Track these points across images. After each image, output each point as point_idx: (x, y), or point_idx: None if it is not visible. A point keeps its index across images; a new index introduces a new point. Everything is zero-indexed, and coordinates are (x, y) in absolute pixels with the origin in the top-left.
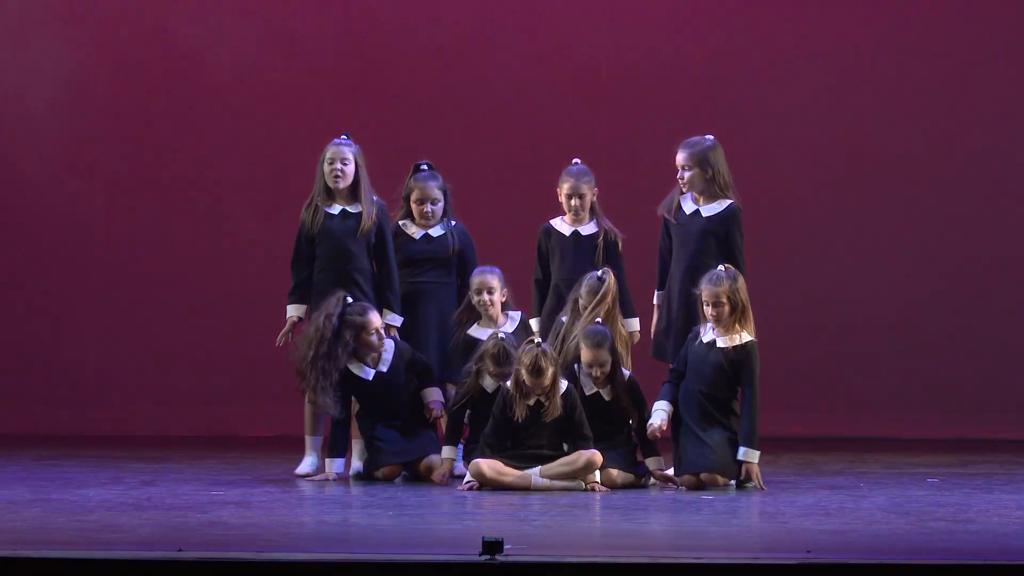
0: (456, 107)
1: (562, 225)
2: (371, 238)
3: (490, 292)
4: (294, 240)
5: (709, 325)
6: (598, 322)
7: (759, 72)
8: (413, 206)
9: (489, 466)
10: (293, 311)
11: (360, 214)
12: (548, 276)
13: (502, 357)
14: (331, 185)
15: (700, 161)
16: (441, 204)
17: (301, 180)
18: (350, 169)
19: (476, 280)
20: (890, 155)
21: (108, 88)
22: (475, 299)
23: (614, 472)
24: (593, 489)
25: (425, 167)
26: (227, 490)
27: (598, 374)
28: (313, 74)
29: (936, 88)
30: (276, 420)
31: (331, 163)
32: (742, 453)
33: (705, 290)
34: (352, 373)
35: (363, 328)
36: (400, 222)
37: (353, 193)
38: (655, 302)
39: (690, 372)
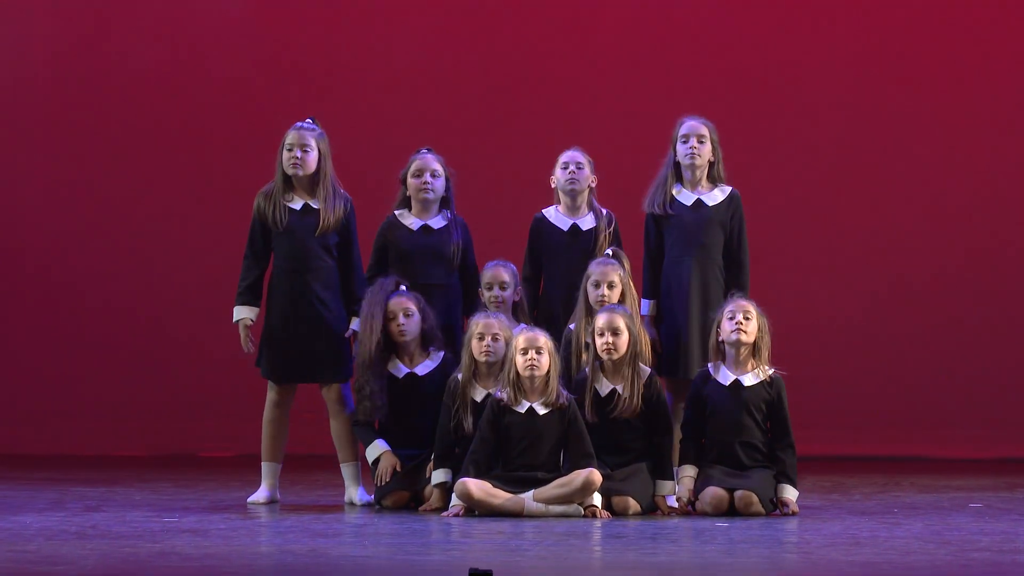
0: (447, 94)
1: (558, 217)
2: (334, 237)
3: (502, 287)
4: (248, 231)
5: (721, 365)
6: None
7: (770, 68)
8: (411, 181)
9: (478, 486)
10: (244, 313)
11: (320, 210)
12: (539, 273)
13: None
14: (289, 173)
15: (712, 137)
16: (442, 180)
17: (263, 178)
18: (311, 157)
19: (488, 274)
20: (927, 162)
21: (44, 89)
22: (485, 295)
23: (631, 501)
24: (593, 515)
25: (426, 150)
26: (181, 516)
27: (611, 342)
28: (283, 59)
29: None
30: (236, 437)
31: (290, 149)
32: (783, 490)
33: (731, 333)
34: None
35: (387, 317)
36: (396, 212)
37: (314, 185)
38: (643, 312)
39: (717, 422)
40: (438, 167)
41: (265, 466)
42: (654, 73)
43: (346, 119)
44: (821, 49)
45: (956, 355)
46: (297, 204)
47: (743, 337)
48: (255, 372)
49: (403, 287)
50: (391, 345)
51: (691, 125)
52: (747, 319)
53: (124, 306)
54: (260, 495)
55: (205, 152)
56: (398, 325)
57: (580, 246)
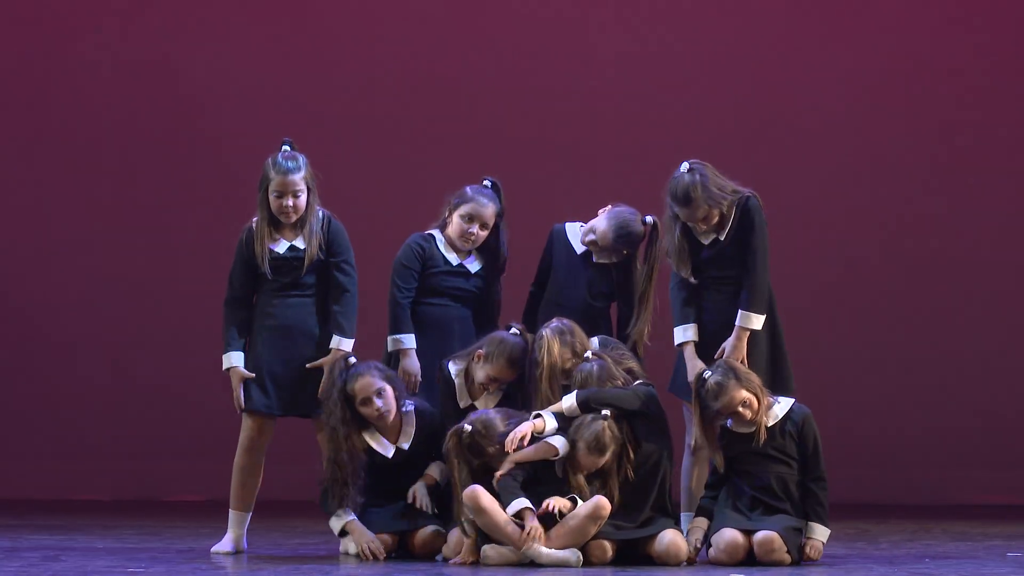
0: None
1: (575, 236)
2: (318, 261)
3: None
4: (230, 270)
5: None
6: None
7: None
8: (456, 219)
9: (490, 499)
10: (235, 360)
11: (305, 251)
12: (543, 288)
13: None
14: (283, 221)
15: (708, 200)
16: (486, 234)
17: (230, 199)
18: (302, 201)
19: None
20: (950, 178)
21: None
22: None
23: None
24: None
25: (488, 183)
26: (147, 566)
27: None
28: (257, 66)
29: None
30: (205, 480)
31: (279, 196)
32: (811, 529)
33: (722, 402)
34: (370, 447)
35: (352, 399)
36: (433, 232)
37: (302, 224)
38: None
39: (740, 475)
40: (490, 219)
41: (233, 515)
42: (658, 82)
43: (335, 123)
44: (825, 61)
45: (991, 395)
46: (282, 247)
47: (747, 426)
48: (225, 411)
49: (351, 359)
50: (361, 420)
51: (681, 214)
52: (745, 407)
53: (85, 340)
54: (225, 545)
55: (167, 187)
56: (376, 410)
57: (587, 274)
